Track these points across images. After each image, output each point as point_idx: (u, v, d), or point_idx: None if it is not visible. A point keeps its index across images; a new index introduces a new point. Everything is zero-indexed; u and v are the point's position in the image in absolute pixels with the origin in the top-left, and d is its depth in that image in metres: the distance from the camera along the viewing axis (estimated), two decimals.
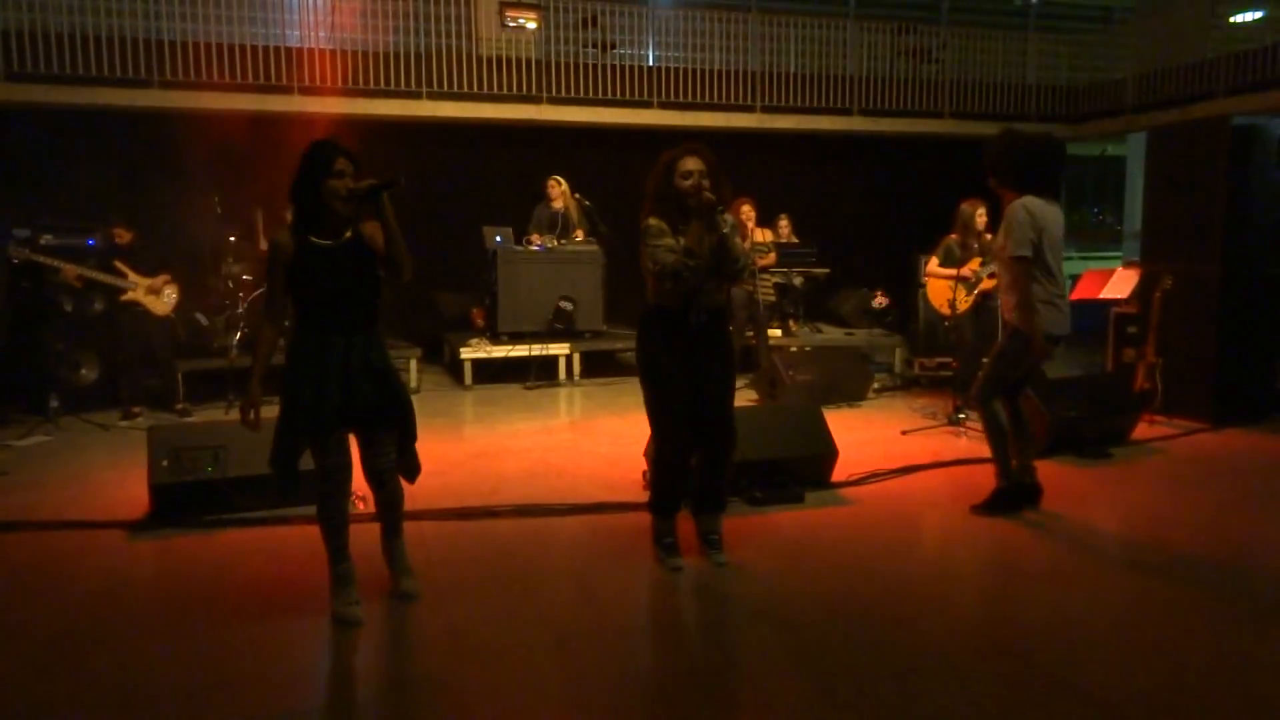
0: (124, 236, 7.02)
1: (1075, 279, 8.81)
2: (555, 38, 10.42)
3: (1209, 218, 6.68)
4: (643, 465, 4.96)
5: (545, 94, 10.26)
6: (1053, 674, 2.95)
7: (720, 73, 10.96)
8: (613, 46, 10.61)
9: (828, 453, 5.07)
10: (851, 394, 7.71)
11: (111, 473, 5.39)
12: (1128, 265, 9.30)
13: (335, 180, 3.13)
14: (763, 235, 8.67)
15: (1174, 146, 7.19)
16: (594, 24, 10.45)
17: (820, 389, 7.26)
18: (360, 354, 3.20)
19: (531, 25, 9.76)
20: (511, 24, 9.63)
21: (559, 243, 8.84)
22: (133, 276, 6.92)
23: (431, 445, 6.08)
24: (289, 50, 9.36)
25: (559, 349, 8.67)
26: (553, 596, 3.67)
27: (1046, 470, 4.68)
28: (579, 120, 10.42)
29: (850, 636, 3.26)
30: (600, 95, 10.41)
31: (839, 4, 12.29)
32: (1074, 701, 2.78)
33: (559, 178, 8.96)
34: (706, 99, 10.80)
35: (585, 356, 8.82)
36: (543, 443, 6.31)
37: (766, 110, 11.12)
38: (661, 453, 3.91)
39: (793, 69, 11.29)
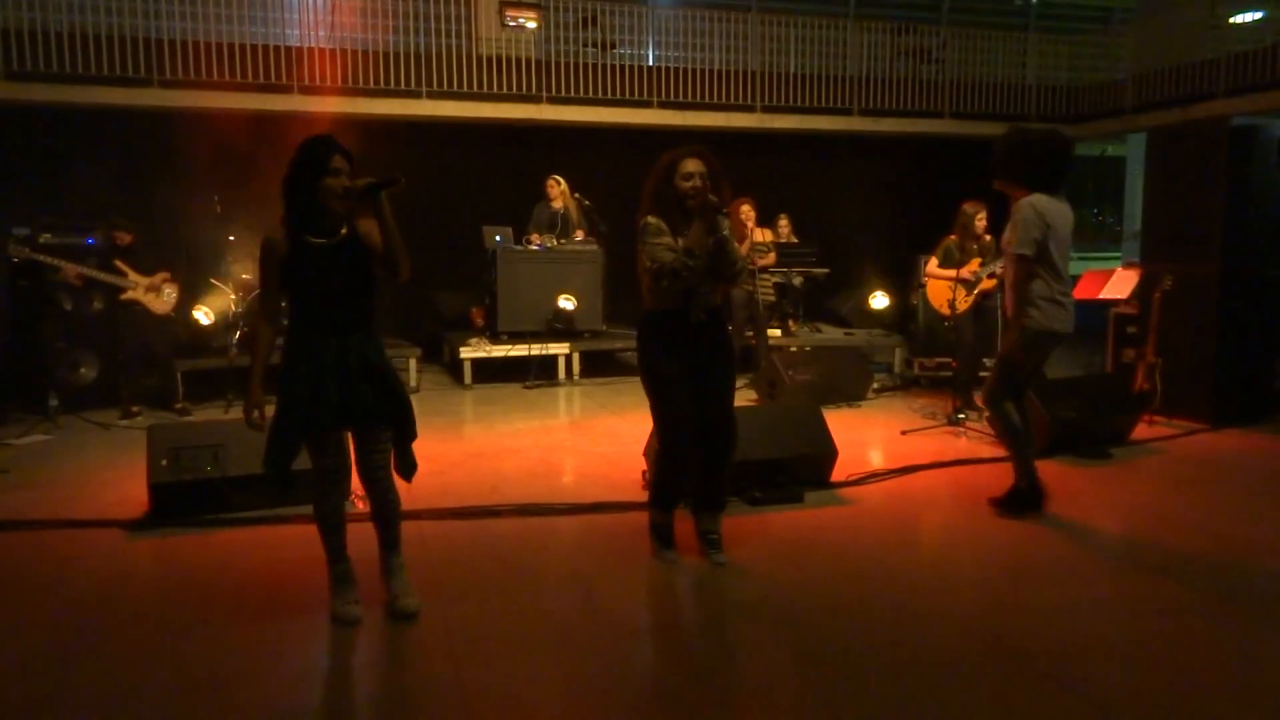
0: (125, 239, 7.02)
1: (1075, 279, 8.80)
2: (555, 37, 10.42)
3: (1209, 218, 6.68)
4: (642, 465, 4.96)
5: (545, 93, 10.26)
6: (1052, 674, 2.95)
7: (720, 72, 10.96)
8: (613, 46, 10.61)
9: (827, 453, 5.07)
10: (851, 394, 7.71)
11: (111, 472, 5.40)
12: (1127, 265, 9.29)
13: (332, 179, 3.07)
14: (762, 235, 8.67)
15: (1174, 147, 7.20)
16: (594, 23, 10.45)
17: (820, 389, 7.26)
18: (357, 353, 3.16)
19: (531, 25, 9.76)
20: (511, 23, 9.63)
21: (559, 242, 8.84)
22: (133, 275, 6.92)
23: (431, 444, 6.09)
24: (289, 49, 9.36)
25: (558, 348, 8.67)
26: (552, 596, 3.67)
27: (1046, 470, 4.68)
28: (579, 120, 10.42)
29: (850, 636, 3.26)
30: (600, 95, 10.41)
31: (839, 4, 12.29)
32: (1074, 701, 2.78)
33: (558, 177, 8.96)
34: (706, 99, 10.81)
35: (585, 356, 8.83)
36: (542, 442, 6.31)
37: (766, 110, 11.12)
38: (665, 451, 3.93)
39: (793, 69, 11.29)
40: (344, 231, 3.18)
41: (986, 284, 6.89)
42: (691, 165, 3.73)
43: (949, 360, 7.94)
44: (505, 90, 10.08)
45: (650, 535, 4.08)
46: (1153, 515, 4.76)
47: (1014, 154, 4.47)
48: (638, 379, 3.92)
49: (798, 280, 9.31)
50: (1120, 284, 7.97)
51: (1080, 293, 8.03)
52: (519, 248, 8.77)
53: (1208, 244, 6.69)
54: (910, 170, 11.81)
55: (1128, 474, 5.53)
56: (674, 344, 3.79)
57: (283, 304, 3.24)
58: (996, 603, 3.65)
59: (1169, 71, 11.08)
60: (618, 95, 10.47)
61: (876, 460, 5.55)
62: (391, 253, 3.14)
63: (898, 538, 4.44)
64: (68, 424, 6.71)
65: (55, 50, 8.58)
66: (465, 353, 8.52)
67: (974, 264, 6.96)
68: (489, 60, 10.05)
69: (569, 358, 8.71)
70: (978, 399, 7.09)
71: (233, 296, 7.73)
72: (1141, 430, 6.37)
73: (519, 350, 8.53)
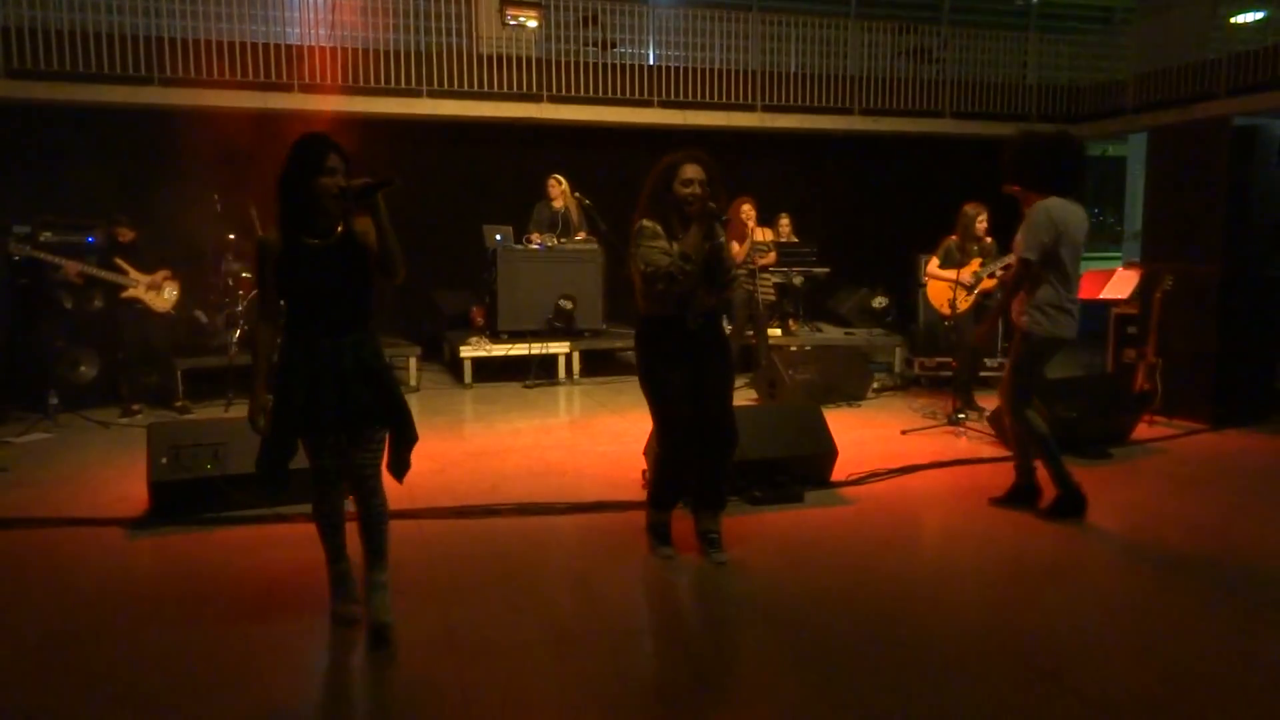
0: (127, 235, 7.01)
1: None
2: (556, 36, 10.42)
3: (1209, 218, 6.68)
4: (642, 464, 4.96)
5: (546, 93, 10.26)
6: (1052, 673, 2.95)
7: (721, 72, 10.96)
8: (613, 45, 10.61)
9: (827, 452, 5.07)
10: (851, 394, 7.71)
11: (111, 470, 5.39)
12: (1128, 266, 9.30)
13: (327, 178, 3.01)
14: (763, 234, 8.67)
15: (1175, 147, 7.19)
16: (594, 22, 10.45)
17: (820, 388, 7.26)
18: (352, 355, 3.10)
19: (532, 24, 9.76)
20: (512, 22, 9.63)
21: (559, 241, 8.84)
22: (133, 273, 6.92)
23: (431, 443, 6.09)
24: (289, 48, 9.37)
25: (559, 348, 8.66)
26: (552, 595, 3.67)
27: (1042, 470, 4.67)
28: (579, 119, 10.42)
29: (850, 636, 3.26)
30: (601, 94, 10.41)
31: (840, 3, 12.28)
32: (1074, 701, 2.78)
33: (559, 176, 8.96)
34: (707, 98, 10.81)
35: (585, 355, 8.82)
36: (542, 441, 6.31)
37: (767, 109, 11.12)
38: (665, 452, 3.94)
39: (794, 68, 11.30)
40: (340, 231, 3.13)
41: (987, 284, 6.89)
42: (691, 171, 3.72)
43: (949, 360, 7.94)
44: (506, 89, 10.08)
45: (648, 533, 4.09)
46: (1153, 515, 4.76)
47: (1024, 158, 4.45)
48: (637, 378, 3.92)
49: (798, 280, 9.32)
50: (1121, 284, 7.98)
51: (1081, 293, 8.01)
52: (519, 247, 8.77)
53: (1208, 244, 6.69)
54: (911, 170, 11.81)
55: (1128, 474, 5.52)
56: (672, 350, 3.79)
57: (282, 304, 3.21)
58: (997, 602, 3.65)
59: (1170, 71, 11.08)
60: (618, 94, 10.48)
61: (876, 460, 5.55)
62: (387, 254, 3.08)
63: (898, 537, 4.44)
64: (68, 422, 6.70)
65: (55, 48, 8.58)
66: (465, 352, 8.52)
67: (974, 265, 6.96)
68: (489, 59, 10.05)
69: (569, 357, 8.71)
70: (978, 399, 7.12)
71: (233, 295, 7.73)
72: (1142, 430, 6.37)
73: (519, 349, 8.53)
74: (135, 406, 7.01)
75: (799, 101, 11.20)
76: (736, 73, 11.02)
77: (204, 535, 4.28)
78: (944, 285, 7.06)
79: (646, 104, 10.62)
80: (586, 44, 10.48)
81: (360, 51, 9.59)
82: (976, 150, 11.35)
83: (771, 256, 8.56)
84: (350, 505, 3.30)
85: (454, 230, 9.66)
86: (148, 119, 9.05)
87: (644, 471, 4.88)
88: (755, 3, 11.55)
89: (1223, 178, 6.60)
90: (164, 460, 4.41)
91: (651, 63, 11.00)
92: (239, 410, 5.74)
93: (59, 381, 7.02)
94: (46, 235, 7.35)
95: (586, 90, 10.34)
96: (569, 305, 8.68)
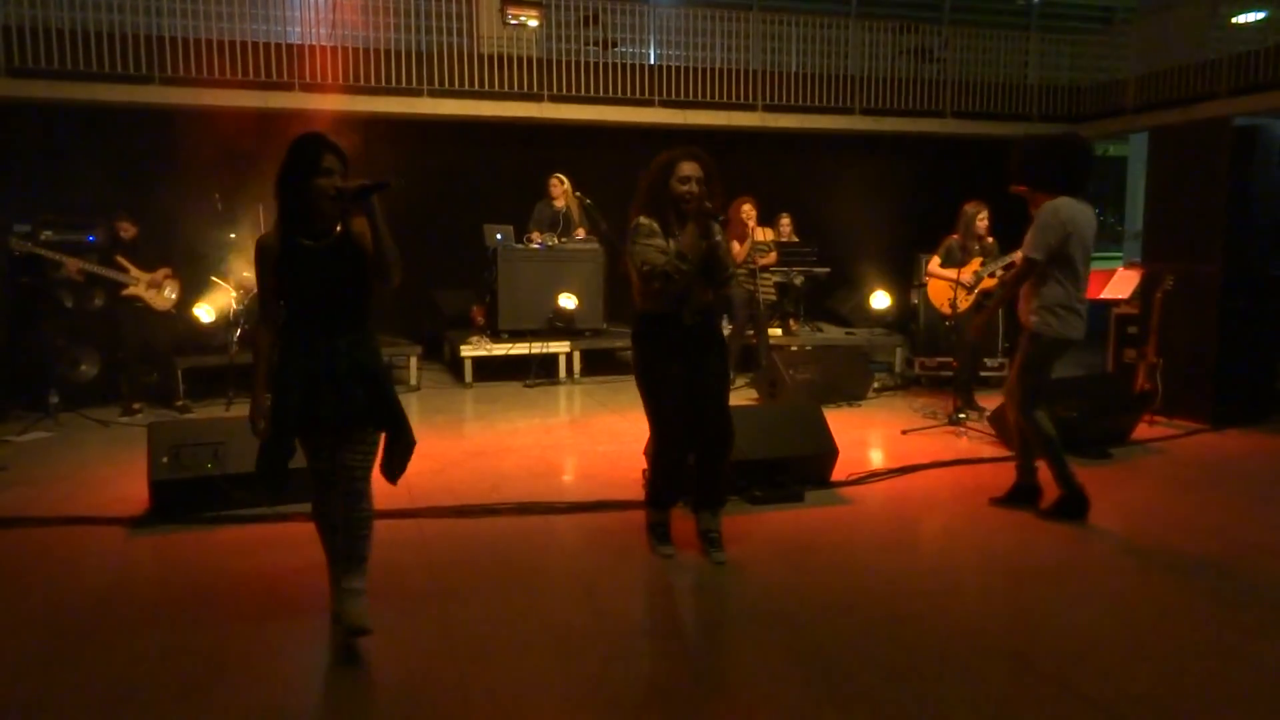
0: (129, 230, 7.01)
1: None
2: (557, 35, 10.41)
3: (1210, 218, 6.67)
4: (642, 463, 4.95)
5: (546, 92, 10.25)
6: (1052, 674, 2.95)
7: (722, 71, 10.95)
8: (614, 45, 10.60)
9: (828, 452, 5.07)
10: (852, 393, 7.70)
11: (111, 469, 5.39)
12: (1129, 266, 9.30)
13: (323, 179, 2.97)
14: (764, 234, 8.67)
15: (1175, 147, 7.18)
16: (595, 22, 10.44)
17: (820, 388, 7.26)
18: (347, 357, 3.07)
19: (533, 23, 9.75)
20: (513, 21, 9.62)
21: (560, 241, 8.84)
22: (134, 271, 6.92)
23: (432, 443, 6.10)
24: (290, 47, 9.36)
25: (559, 347, 8.66)
26: (553, 595, 3.67)
27: (1044, 471, 4.67)
28: (580, 118, 10.41)
29: (850, 636, 3.26)
30: (601, 93, 10.40)
31: (841, 3, 12.27)
32: (1074, 701, 2.78)
33: (561, 176, 8.96)
34: (708, 97, 10.80)
35: (585, 355, 8.82)
36: (543, 441, 6.31)
37: (768, 109, 11.11)
38: (660, 452, 3.95)
39: (794, 68, 11.28)
40: (338, 232, 3.10)
41: (987, 283, 6.89)
42: (688, 168, 3.72)
43: (950, 360, 7.94)
44: (506, 89, 10.07)
45: (648, 533, 4.10)
46: (1153, 515, 4.76)
47: (1033, 159, 4.44)
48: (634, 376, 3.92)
49: (799, 279, 9.31)
50: (1121, 284, 7.98)
51: None
52: (520, 246, 8.77)
53: (1209, 244, 6.68)
54: (912, 170, 11.79)
55: (1128, 474, 5.52)
56: (668, 347, 3.80)
57: (282, 306, 3.19)
58: (997, 602, 3.65)
59: (1171, 71, 11.07)
60: (619, 94, 10.46)
61: (877, 460, 5.55)
62: (382, 257, 3.03)
63: (898, 537, 4.44)
64: (68, 421, 6.71)
65: (56, 47, 8.58)
66: (466, 351, 8.52)
67: (975, 264, 6.96)
68: (490, 58, 10.05)
69: (569, 356, 8.71)
70: (979, 399, 7.12)
71: (234, 294, 7.73)
72: (1142, 430, 6.36)
73: (520, 349, 8.53)
74: (136, 405, 7.02)
75: (800, 101, 11.19)
76: (737, 72, 11.01)
77: (204, 535, 4.28)
78: (944, 284, 7.05)
79: (647, 103, 10.61)
80: (587, 43, 10.47)
81: (361, 51, 9.58)
82: (977, 150, 11.37)
83: (772, 256, 8.56)
84: None
85: (454, 229, 9.65)
86: (148, 118, 9.05)
87: (644, 471, 4.87)
88: (756, 2, 11.53)
89: (1224, 178, 6.59)
90: (164, 459, 4.42)
91: (652, 62, 10.98)
92: (239, 409, 5.73)
93: (59, 380, 7.02)
94: (47, 234, 7.35)
95: (587, 90, 10.34)
96: (569, 305, 8.68)
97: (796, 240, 9.28)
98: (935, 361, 8.34)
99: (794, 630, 3.32)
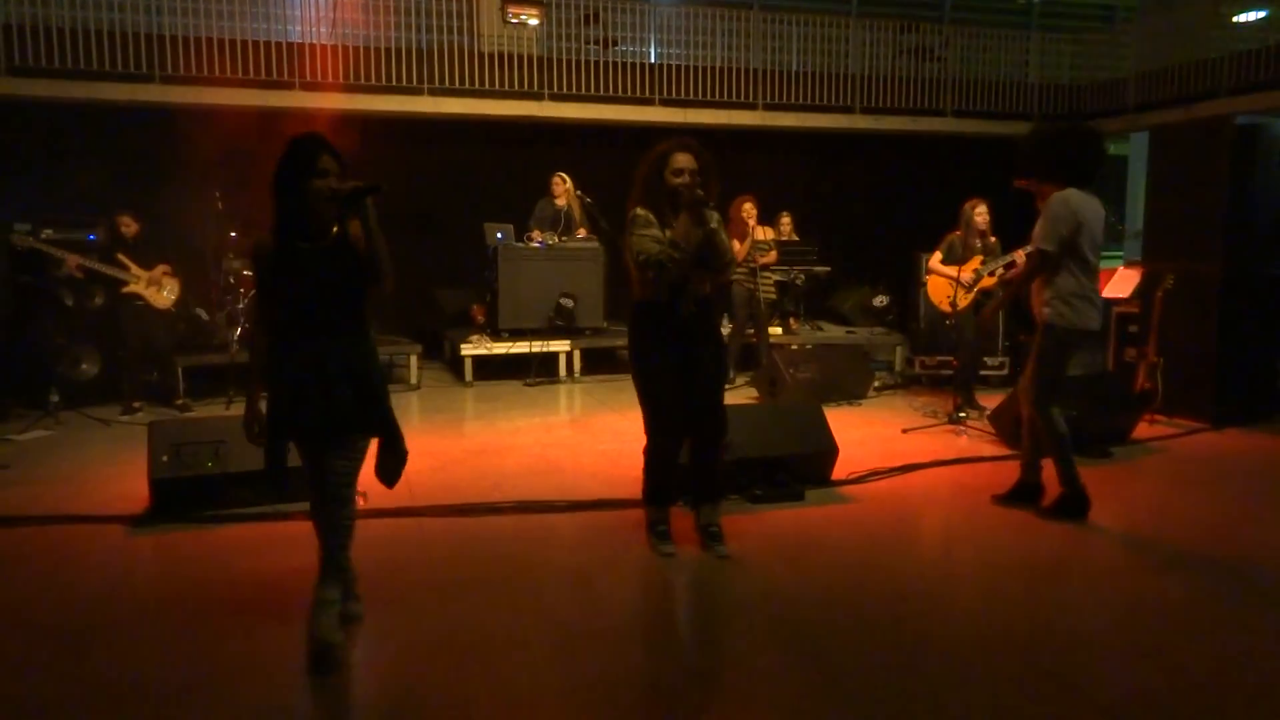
0: (130, 226, 7.01)
1: None
2: (557, 34, 10.40)
3: (1211, 217, 6.67)
4: (642, 462, 4.95)
5: (547, 91, 10.25)
6: (1053, 673, 2.95)
7: (722, 70, 10.94)
8: (615, 43, 10.59)
9: (828, 451, 5.07)
10: (852, 392, 7.70)
11: (111, 467, 5.40)
12: (1129, 265, 9.29)
13: (319, 180, 2.95)
14: (764, 233, 8.67)
15: (1176, 146, 7.18)
16: (596, 20, 10.43)
17: (821, 387, 7.26)
18: (339, 359, 3.04)
19: (533, 22, 9.74)
20: (513, 20, 9.61)
21: (560, 239, 8.84)
22: (134, 269, 6.92)
23: (432, 441, 6.10)
24: (291, 46, 9.35)
25: (559, 346, 8.66)
26: (553, 593, 3.67)
27: (1048, 470, 4.67)
28: (580, 117, 10.41)
29: (851, 634, 3.26)
30: (602, 92, 10.39)
31: (842, 2, 12.26)
32: (1074, 701, 2.78)
33: (564, 174, 8.95)
34: (708, 96, 10.79)
35: (586, 353, 8.82)
36: (543, 439, 6.31)
37: (769, 108, 11.10)
38: (653, 443, 3.96)
39: (795, 66, 11.28)
40: (335, 230, 3.07)
41: (987, 282, 6.88)
42: (682, 160, 3.76)
43: (950, 359, 7.94)
44: (507, 87, 10.07)
45: (647, 531, 4.10)
46: (1154, 514, 4.76)
47: (1044, 150, 4.41)
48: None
49: (799, 278, 9.31)
50: (1122, 283, 7.97)
51: None
52: (520, 245, 8.77)
53: (1210, 243, 6.68)
54: (912, 169, 11.79)
55: (1129, 473, 5.52)
56: (663, 336, 3.83)
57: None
58: (997, 601, 3.65)
59: (1172, 70, 11.06)
60: (619, 93, 10.46)
61: (877, 459, 5.55)
62: (373, 260, 2.99)
63: (898, 536, 4.44)
64: (68, 419, 6.71)
65: (57, 45, 8.57)
66: (466, 350, 8.51)
67: (975, 262, 6.95)
68: (491, 57, 10.04)
69: (570, 355, 8.71)
70: (979, 398, 7.12)
71: (234, 293, 7.73)
72: (1143, 429, 6.36)
73: (520, 347, 8.53)
74: (136, 404, 7.02)
75: (800, 100, 11.18)
76: (738, 71, 11.00)
77: (204, 533, 4.28)
78: (944, 282, 7.05)
79: (648, 102, 10.60)
80: (588, 42, 10.46)
81: (361, 49, 9.57)
82: (978, 149, 11.36)
83: (772, 255, 8.56)
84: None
85: (455, 228, 9.65)
86: (149, 117, 9.05)
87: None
88: (756, 1, 11.53)
89: (1224, 177, 6.59)
90: (165, 458, 4.41)
91: (653, 61, 10.98)
92: (239, 408, 5.76)
93: (60, 379, 7.02)
94: (48, 232, 7.34)
95: (588, 88, 10.33)
96: (570, 303, 8.68)
97: (797, 239, 9.28)
98: (935, 360, 8.34)
99: (794, 629, 3.32)
